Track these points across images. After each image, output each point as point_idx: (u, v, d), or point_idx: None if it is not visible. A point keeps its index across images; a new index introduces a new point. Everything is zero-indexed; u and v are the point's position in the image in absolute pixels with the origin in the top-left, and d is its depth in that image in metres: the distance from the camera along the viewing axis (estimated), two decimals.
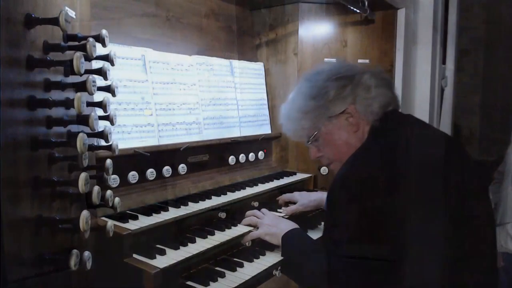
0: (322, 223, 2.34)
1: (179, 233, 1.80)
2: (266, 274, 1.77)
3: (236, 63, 2.61)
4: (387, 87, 1.62)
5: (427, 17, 3.08)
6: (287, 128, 1.75)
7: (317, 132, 1.63)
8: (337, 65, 1.68)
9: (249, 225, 1.93)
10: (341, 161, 1.58)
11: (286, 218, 2.08)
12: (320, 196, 2.24)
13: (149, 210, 1.77)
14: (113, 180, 1.75)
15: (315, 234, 2.16)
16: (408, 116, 1.75)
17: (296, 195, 2.27)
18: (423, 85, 3.14)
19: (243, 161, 2.56)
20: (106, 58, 1.27)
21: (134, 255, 1.55)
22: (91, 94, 1.15)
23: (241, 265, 1.75)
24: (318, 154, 1.73)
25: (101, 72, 1.23)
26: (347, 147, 1.57)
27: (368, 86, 1.56)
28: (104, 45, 1.20)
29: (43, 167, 1.07)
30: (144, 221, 1.68)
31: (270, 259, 1.84)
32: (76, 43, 1.16)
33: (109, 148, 1.35)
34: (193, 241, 1.72)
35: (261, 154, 2.71)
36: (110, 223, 1.37)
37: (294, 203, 2.26)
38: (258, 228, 1.88)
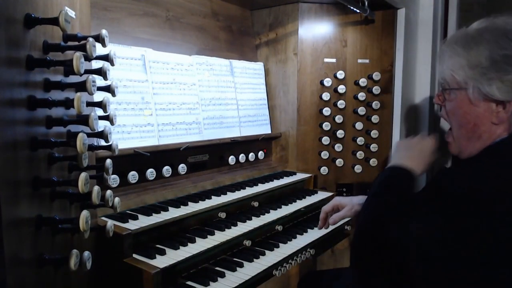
0: None
1: (179, 233, 1.80)
2: (266, 274, 1.78)
3: (236, 63, 2.61)
4: None
5: (427, 17, 3.08)
6: (442, 51, 1.39)
7: (459, 89, 1.30)
8: None
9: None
10: (457, 133, 1.35)
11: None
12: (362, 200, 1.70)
13: (149, 210, 1.77)
14: (113, 180, 1.76)
15: (314, 234, 2.17)
16: None
17: (344, 200, 1.78)
18: (423, 85, 3.14)
19: (243, 161, 2.56)
20: (106, 58, 1.27)
21: (134, 255, 1.55)
22: (91, 94, 1.15)
23: (241, 265, 1.75)
24: (440, 102, 1.40)
25: (101, 72, 1.23)
26: (472, 130, 1.29)
27: None
28: (104, 45, 1.20)
29: (43, 167, 1.08)
30: (144, 221, 1.68)
31: (270, 259, 1.84)
32: (76, 43, 1.16)
33: (109, 148, 1.35)
34: (193, 241, 1.72)
35: (261, 154, 2.72)
36: (110, 223, 1.38)
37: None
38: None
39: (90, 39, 1.12)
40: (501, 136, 1.27)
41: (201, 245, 1.71)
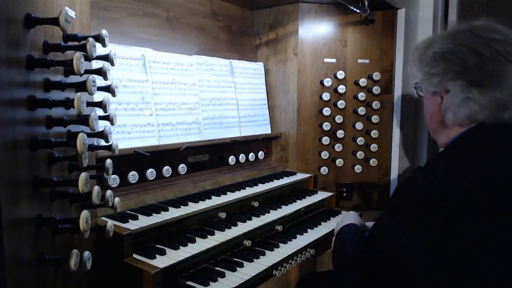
0: (323, 222, 2.35)
1: (179, 233, 1.80)
2: (266, 274, 1.78)
3: (236, 63, 2.61)
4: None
5: (427, 17, 3.08)
6: (412, 54, 1.53)
7: (419, 85, 1.46)
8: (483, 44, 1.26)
9: None
10: (427, 125, 1.48)
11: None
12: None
13: (149, 210, 1.77)
14: (113, 180, 1.76)
15: (314, 234, 2.17)
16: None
17: None
18: None
19: (243, 161, 2.56)
20: (106, 58, 1.27)
21: (134, 255, 1.55)
22: (91, 94, 1.15)
23: (241, 265, 1.75)
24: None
25: (101, 72, 1.23)
26: (431, 121, 1.43)
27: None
28: (104, 45, 1.20)
29: (43, 167, 1.08)
30: (144, 221, 1.68)
31: (270, 259, 1.84)
32: (76, 43, 1.16)
33: (109, 148, 1.35)
34: (193, 241, 1.72)
35: (261, 154, 2.72)
36: (110, 223, 1.38)
37: None
38: None
39: (90, 39, 1.12)
40: (452, 119, 1.34)
41: (201, 245, 1.71)
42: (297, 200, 2.41)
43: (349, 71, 2.82)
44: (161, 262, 1.53)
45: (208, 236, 1.79)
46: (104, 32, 1.19)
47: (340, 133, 2.79)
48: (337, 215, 2.50)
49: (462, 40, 1.29)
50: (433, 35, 1.52)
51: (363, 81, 2.80)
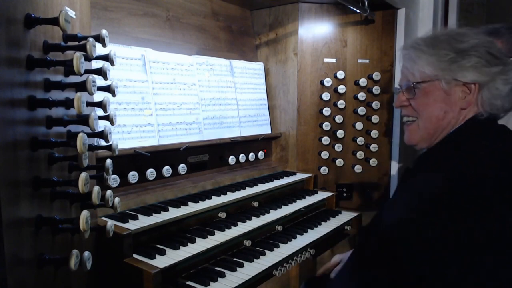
0: (323, 222, 2.35)
1: (179, 233, 1.80)
2: (266, 274, 1.78)
3: (236, 63, 2.61)
4: None
5: (427, 17, 3.09)
6: (403, 55, 1.50)
7: (431, 81, 1.39)
8: None
9: None
10: (425, 124, 1.43)
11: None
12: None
13: (149, 210, 1.77)
14: (113, 180, 1.76)
15: (314, 234, 2.17)
16: None
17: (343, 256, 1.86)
18: None
19: (243, 161, 2.56)
20: (106, 58, 1.27)
21: (134, 255, 1.55)
22: (91, 94, 1.15)
23: (241, 265, 1.75)
24: (405, 103, 1.48)
25: (101, 72, 1.23)
26: (442, 118, 1.39)
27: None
28: (104, 45, 1.20)
29: (43, 167, 1.08)
30: (144, 221, 1.68)
31: (270, 259, 1.84)
32: (76, 43, 1.16)
33: (109, 148, 1.35)
34: (193, 241, 1.72)
35: (261, 154, 2.72)
36: (110, 223, 1.37)
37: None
38: None
39: (90, 39, 1.12)
40: (467, 116, 1.38)
41: (201, 245, 1.71)
42: (297, 200, 2.41)
43: (349, 71, 2.82)
44: (161, 262, 1.53)
45: (208, 236, 1.79)
46: (104, 32, 1.19)
47: (340, 133, 2.79)
48: (337, 215, 2.50)
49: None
50: (419, 38, 1.48)
51: (363, 81, 2.80)
